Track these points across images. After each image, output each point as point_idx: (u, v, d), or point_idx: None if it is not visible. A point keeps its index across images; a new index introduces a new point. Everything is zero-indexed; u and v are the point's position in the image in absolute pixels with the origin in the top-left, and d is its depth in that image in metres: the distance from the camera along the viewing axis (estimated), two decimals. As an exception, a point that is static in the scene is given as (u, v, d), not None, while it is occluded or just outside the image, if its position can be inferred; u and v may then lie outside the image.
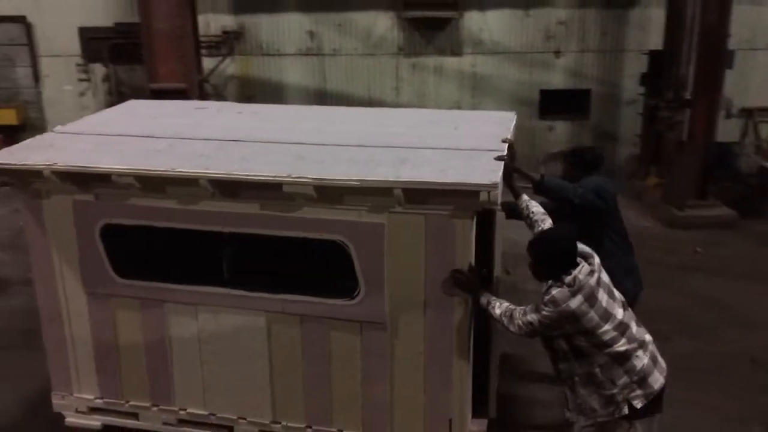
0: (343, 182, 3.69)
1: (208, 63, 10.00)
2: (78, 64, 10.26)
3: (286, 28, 10.09)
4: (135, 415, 4.67)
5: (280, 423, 4.34)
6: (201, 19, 9.62)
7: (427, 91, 10.41)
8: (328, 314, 4.04)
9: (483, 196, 3.53)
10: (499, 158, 3.84)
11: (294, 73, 10.31)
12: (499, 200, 3.61)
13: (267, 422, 4.37)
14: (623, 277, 4.23)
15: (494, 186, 3.51)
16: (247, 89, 10.37)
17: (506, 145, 4.06)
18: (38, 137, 4.84)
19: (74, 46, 10.19)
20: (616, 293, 3.57)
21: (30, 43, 10.20)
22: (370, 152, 4.09)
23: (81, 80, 10.32)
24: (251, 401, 4.36)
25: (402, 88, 10.40)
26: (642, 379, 3.46)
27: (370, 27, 10.11)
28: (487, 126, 4.63)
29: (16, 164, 4.21)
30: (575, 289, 3.38)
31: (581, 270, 3.42)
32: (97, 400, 4.71)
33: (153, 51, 8.26)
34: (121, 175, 3.99)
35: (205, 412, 4.50)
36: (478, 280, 3.79)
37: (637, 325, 3.58)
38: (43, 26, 10.15)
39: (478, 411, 4.40)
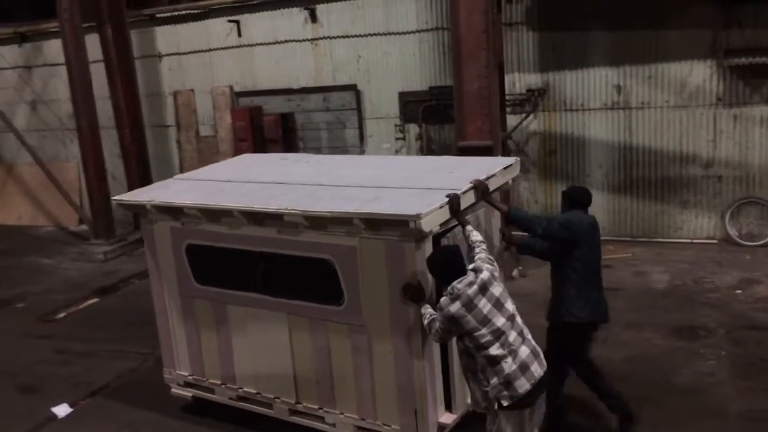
0: (318, 213, 4.74)
1: (511, 120, 10.31)
2: (396, 125, 11.36)
3: (592, 83, 9.96)
4: (212, 390, 5.91)
5: (302, 404, 5.38)
6: (507, 78, 10.01)
7: (751, 143, 9.34)
8: (326, 317, 5.06)
9: (411, 225, 4.37)
10: (447, 195, 4.66)
11: (598, 127, 10.09)
12: (426, 229, 4.40)
13: (293, 402, 5.42)
14: (576, 306, 4.96)
15: (418, 216, 4.33)
16: (549, 144, 10.42)
17: (471, 185, 4.92)
18: (163, 182, 6.51)
19: (393, 108, 11.33)
20: (509, 306, 4.18)
21: (358, 108, 11.61)
22: (361, 191, 5.10)
23: (397, 139, 11.41)
24: (282, 385, 5.43)
25: (720, 141, 9.49)
26: (508, 383, 4.06)
27: (684, 77, 9.47)
28: (477, 170, 5.33)
29: (131, 200, 5.90)
30: (454, 296, 4.08)
31: (462, 281, 4.12)
32: (189, 377, 6.03)
33: (462, 110, 8.81)
34: (189, 208, 5.39)
35: (255, 391, 5.62)
36: (422, 293, 4.52)
37: (520, 336, 4.15)
38: (369, 93, 11.49)
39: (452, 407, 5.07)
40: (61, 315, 9.09)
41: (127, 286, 10.07)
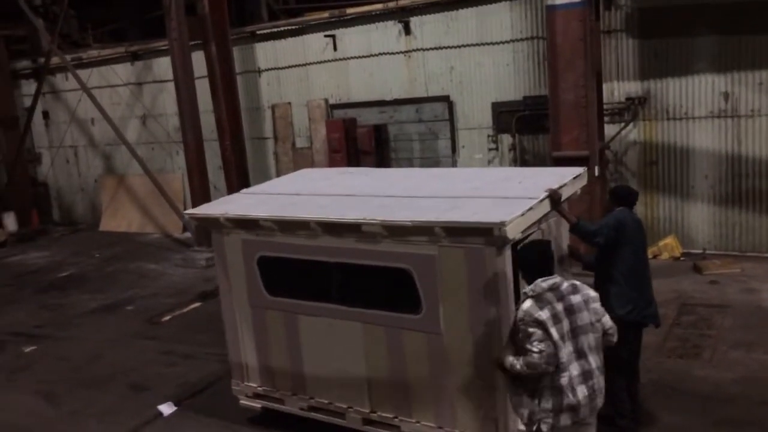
0: (399, 223, 4.81)
1: (609, 129, 10.02)
2: (489, 135, 11.29)
3: (697, 91, 9.55)
4: (282, 401, 5.91)
5: (376, 413, 5.36)
6: (606, 87, 9.76)
7: None
8: (403, 325, 5.08)
9: (495, 232, 4.39)
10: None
11: (702, 136, 9.65)
12: (511, 235, 4.39)
13: (367, 412, 5.40)
14: (615, 303, 5.04)
15: (503, 224, 4.34)
16: (650, 155, 10.06)
17: (546, 194, 4.92)
18: (231, 196, 6.69)
19: (486, 119, 11.27)
20: (587, 340, 4.08)
21: (450, 119, 11.62)
22: (436, 201, 5.14)
23: (490, 149, 11.33)
24: (356, 394, 5.43)
25: (840, 151, 8.87)
26: (557, 414, 4.07)
27: (799, 83, 8.93)
28: (547, 180, 5.31)
29: (204, 214, 6.03)
30: (535, 294, 4.05)
31: (546, 280, 4.09)
32: (258, 388, 6.04)
33: (558, 120, 8.68)
34: (264, 220, 5.45)
35: (326, 401, 5.62)
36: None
37: (582, 375, 4.05)
38: (462, 104, 11.49)
39: None
40: (167, 318, 9.59)
41: (226, 291, 10.48)
